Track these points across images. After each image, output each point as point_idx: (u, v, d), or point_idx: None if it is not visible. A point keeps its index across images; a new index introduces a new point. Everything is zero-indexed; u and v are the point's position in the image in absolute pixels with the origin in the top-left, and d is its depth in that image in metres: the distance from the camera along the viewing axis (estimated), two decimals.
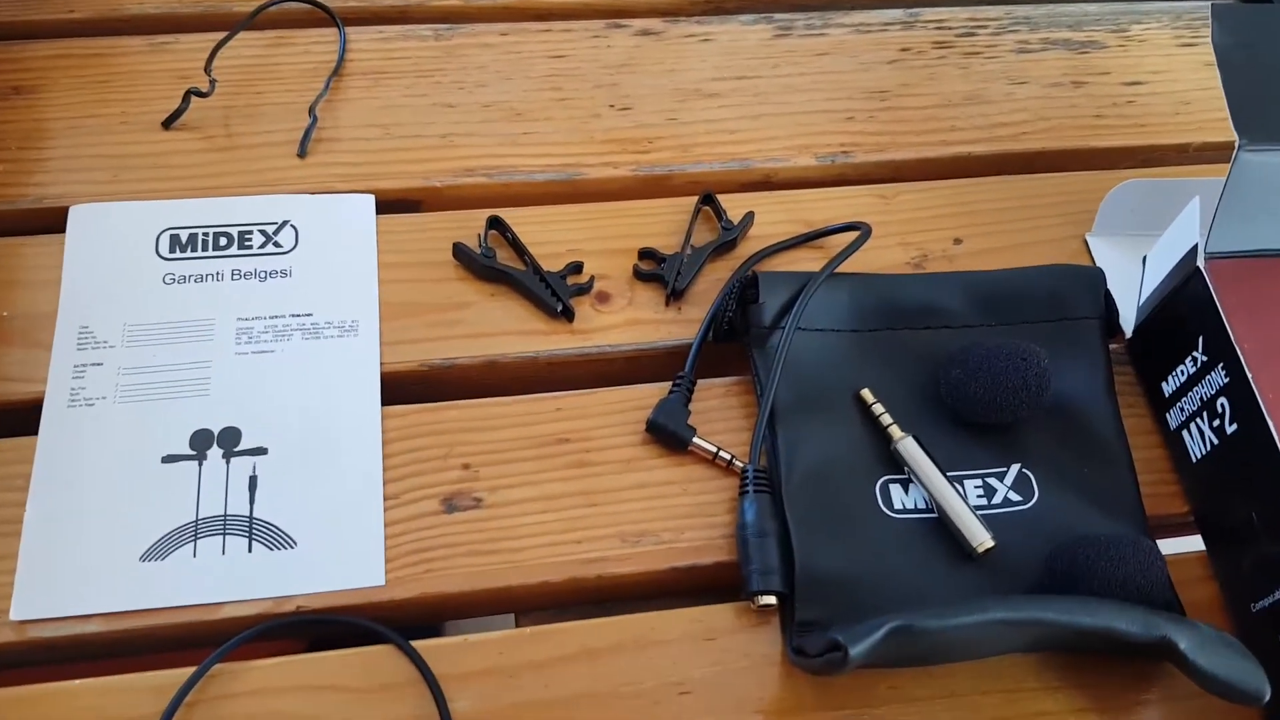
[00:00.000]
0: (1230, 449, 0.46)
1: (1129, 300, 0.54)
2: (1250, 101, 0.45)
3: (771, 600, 0.44)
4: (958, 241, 0.57)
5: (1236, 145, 0.45)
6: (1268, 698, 0.39)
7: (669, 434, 0.48)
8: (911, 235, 0.57)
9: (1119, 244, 0.57)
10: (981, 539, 0.45)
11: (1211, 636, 0.40)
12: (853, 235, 0.54)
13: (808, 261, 0.55)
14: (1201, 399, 0.47)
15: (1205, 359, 0.47)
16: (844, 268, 0.52)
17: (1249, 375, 0.44)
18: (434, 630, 0.49)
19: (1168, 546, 0.50)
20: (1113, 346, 0.53)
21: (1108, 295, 0.52)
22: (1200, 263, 0.47)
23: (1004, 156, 0.62)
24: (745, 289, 0.51)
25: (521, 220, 0.55)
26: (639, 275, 0.54)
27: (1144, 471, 0.50)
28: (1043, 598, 0.42)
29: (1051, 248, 0.57)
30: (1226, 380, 0.46)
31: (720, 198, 0.57)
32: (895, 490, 0.47)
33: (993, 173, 0.60)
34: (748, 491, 0.46)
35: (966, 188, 0.59)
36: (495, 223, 0.54)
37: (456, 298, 0.53)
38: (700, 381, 0.51)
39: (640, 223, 0.56)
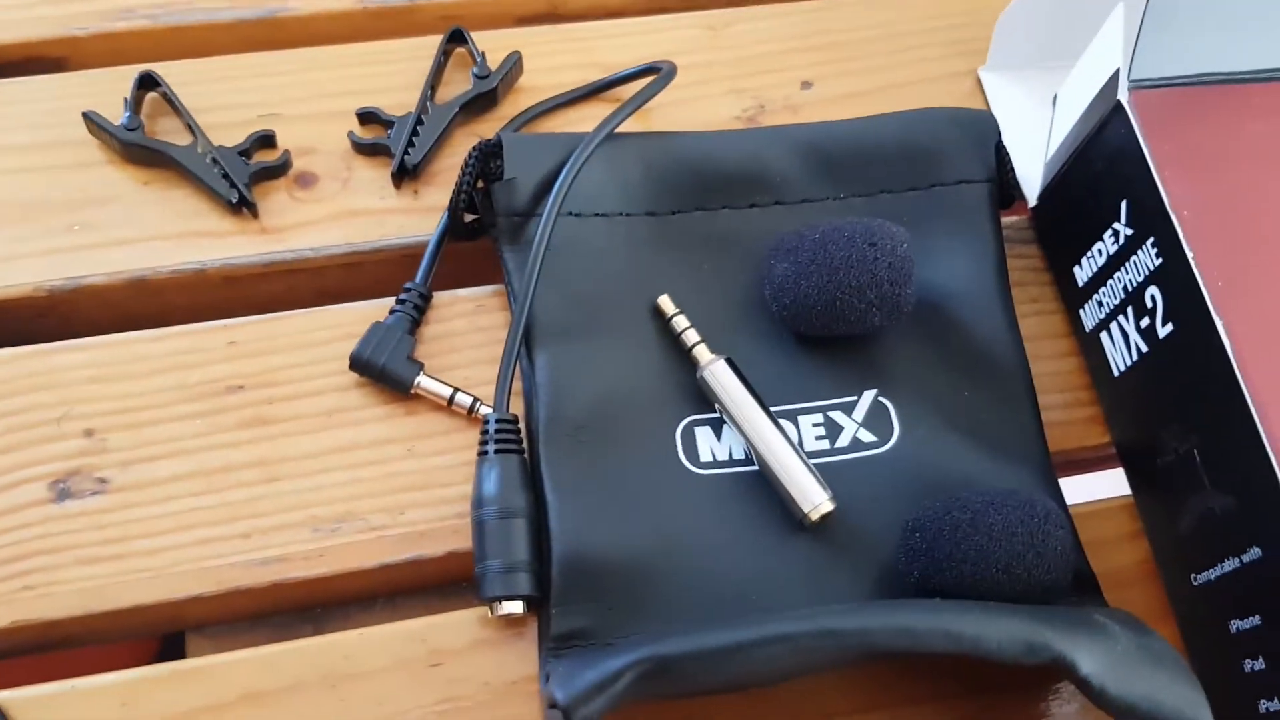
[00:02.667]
0: (1164, 358, 0.33)
1: (1037, 156, 0.40)
2: None
3: (517, 608, 0.31)
4: (807, 85, 0.42)
5: None
6: None
7: (380, 373, 0.34)
8: (746, 79, 0.42)
9: (1023, 79, 0.43)
10: (815, 501, 0.32)
11: (1129, 648, 0.27)
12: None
13: (598, 122, 0.40)
14: (1126, 289, 0.34)
15: (1130, 233, 0.33)
16: (647, 127, 0.38)
17: (1189, 254, 0.31)
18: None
19: (1084, 490, 0.38)
20: (1011, 220, 0.40)
21: (1000, 149, 0.38)
22: (1122, 96, 0.33)
23: None
24: (487, 160, 0.36)
25: (193, 78, 0.39)
26: (358, 147, 0.39)
27: (1052, 390, 0.37)
28: (872, 606, 0.29)
29: (934, 88, 0.43)
30: (1159, 262, 0.32)
31: (483, 35, 0.41)
32: (703, 435, 0.34)
33: None
34: (487, 452, 0.32)
35: (823, 12, 0.44)
36: (147, 80, 0.38)
37: (92, 191, 0.37)
38: (443, 295, 0.37)
39: (365, 75, 0.41)
